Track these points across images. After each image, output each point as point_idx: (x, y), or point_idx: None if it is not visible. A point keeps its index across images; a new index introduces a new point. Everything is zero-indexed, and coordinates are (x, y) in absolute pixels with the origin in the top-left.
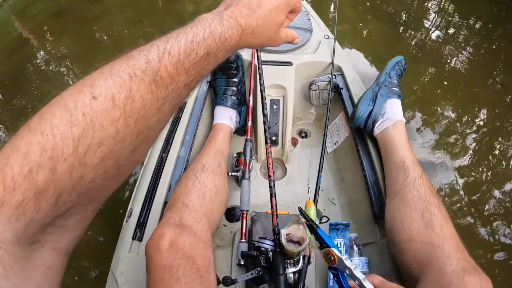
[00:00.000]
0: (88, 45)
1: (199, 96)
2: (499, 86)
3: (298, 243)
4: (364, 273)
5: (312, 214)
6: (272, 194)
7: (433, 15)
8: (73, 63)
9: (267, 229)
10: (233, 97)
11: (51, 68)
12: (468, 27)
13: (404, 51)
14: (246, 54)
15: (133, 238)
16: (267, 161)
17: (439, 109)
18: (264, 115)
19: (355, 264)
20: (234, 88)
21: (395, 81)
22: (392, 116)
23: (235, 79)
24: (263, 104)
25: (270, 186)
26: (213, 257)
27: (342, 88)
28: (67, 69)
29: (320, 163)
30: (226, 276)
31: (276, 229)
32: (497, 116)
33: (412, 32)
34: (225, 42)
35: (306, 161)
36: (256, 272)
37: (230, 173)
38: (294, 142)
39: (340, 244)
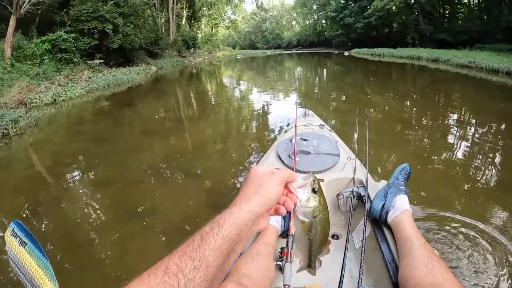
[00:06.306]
0: None
1: None
2: None
3: None
4: None
5: None
6: None
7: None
8: None
9: None
10: None
11: None
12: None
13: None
14: None
15: None
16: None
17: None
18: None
19: None
20: None
21: (402, 182)
22: (400, 207)
23: None
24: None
25: None
26: None
27: (363, 196)
28: None
29: (343, 259)
30: None
31: None
32: None
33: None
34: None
35: (338, 258)
36: None
37: (276, 262)
38: (328, 243)
39: None
